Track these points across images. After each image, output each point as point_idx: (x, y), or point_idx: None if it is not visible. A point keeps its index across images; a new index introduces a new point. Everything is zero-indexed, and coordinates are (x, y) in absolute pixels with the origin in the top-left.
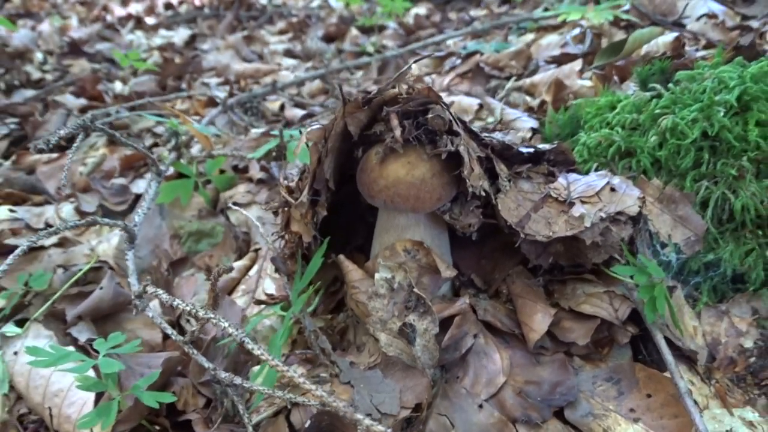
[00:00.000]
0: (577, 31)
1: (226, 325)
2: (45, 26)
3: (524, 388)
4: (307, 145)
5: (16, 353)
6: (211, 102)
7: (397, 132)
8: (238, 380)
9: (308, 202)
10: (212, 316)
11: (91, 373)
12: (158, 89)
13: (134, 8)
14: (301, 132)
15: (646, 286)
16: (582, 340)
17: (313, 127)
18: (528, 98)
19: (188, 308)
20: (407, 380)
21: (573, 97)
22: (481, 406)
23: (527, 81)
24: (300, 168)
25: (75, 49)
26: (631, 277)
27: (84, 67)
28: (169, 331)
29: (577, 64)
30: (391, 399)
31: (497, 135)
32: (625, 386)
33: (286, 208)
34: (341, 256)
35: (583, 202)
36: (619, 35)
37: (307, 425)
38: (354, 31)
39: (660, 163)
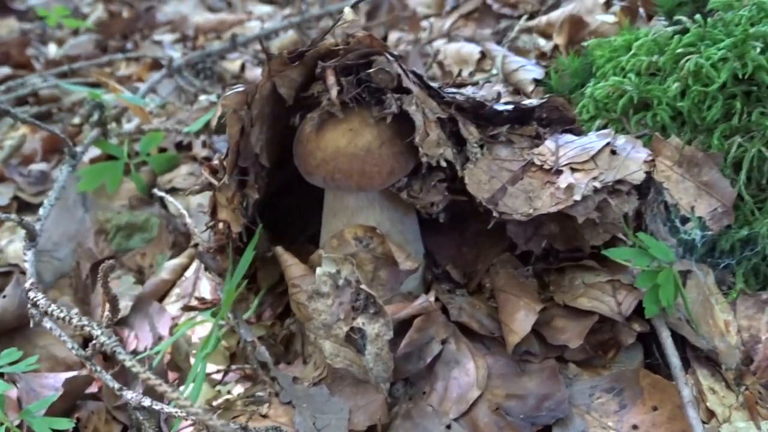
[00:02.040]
0: None
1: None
2: None
3: (504, 403)
4: (222, 118)
5: None
6: (157, 65)
7: (334, 92)
8: (147, 401)
9: (234, 183)
10: (96, 329)
11: None
12: (98, 52)
13: None
14: (218, 98)
15: (647, 273)
16: (574, 341)
17: (230, 91)
18: (542, 41)
19: (77, 320)
20: (358, 398)
21: (591, 38)
22: (449, 427)
23: (543, 19)
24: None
25: (1, 5)
26: (630, 261)
27: (12, 28)
28: (70, 345)
29: None
30: (339, 421)
31: (467, 90)
32: (628, 398)
33: (211, 193)
34: (278, 248)
35: (573, 170)
36: None
37: None
38: None
39: (682, 116)
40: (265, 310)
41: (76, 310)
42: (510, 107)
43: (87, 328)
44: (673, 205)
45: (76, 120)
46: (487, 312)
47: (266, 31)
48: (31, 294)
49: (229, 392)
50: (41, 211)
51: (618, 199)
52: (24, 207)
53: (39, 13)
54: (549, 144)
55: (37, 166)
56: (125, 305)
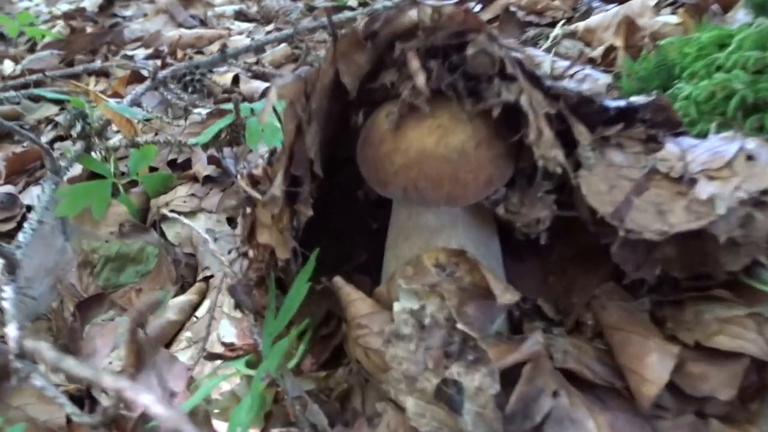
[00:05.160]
0: None
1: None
2: None
3: None
4: (275, 111)
5: None
6: (137, 78)
7: (420, 79)
8: None
9: (283, 196)
10: (127, 385)
11: None
12: (63, 66)
13: None
14: (264, 95)
15: None
16: (725, 392)
17: (287, 79)
18: (585, 48)
19: (84, 373)
20: None
21: (651, 41)
22: None
23: (580, 26)
24: (269, 149)
25: None
26: None
27: None
28: (69, 409)
29: None
30: None
31: (568, 83)
32: None
33: (249, 210)
34: (338, 279)
35: (710, 179)
36: None
37: None
38: None
39: None
40: (304, 358)
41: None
42: (622, 104)
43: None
44: None
45: (49, 137)
46: (596, 356)
47: (258, 43)
48: (28, 344)
49: None
50: (21, 236)
51: (764, 212)
52: None
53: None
54: (671, 148)
55: (3, 188)
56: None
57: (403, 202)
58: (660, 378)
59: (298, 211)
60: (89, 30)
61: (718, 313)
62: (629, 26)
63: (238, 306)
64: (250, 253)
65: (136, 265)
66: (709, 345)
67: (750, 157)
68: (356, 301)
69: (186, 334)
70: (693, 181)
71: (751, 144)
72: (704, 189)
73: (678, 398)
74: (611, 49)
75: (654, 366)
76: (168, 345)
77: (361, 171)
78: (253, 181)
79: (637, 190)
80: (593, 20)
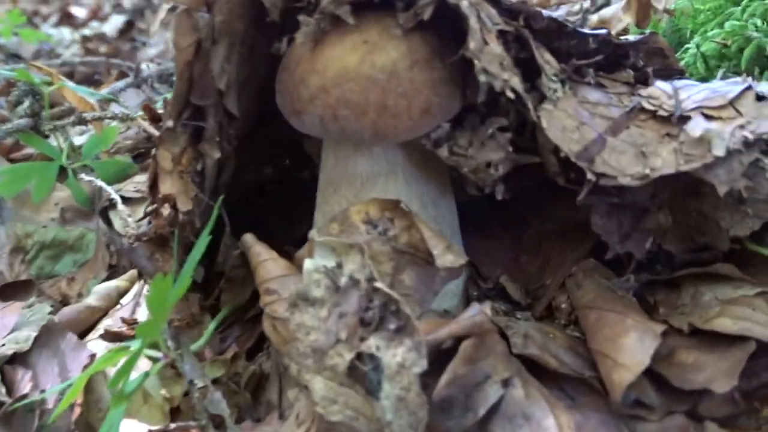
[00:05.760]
0: None
1: None
2: None
3: None
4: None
5: None
6: (122, 75)
7: None
8: None
9: (184, 132)
10: None
11: None
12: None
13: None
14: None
15: None
16: (722, 382)
17: None
18: None
19: None
20: None
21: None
22: None
23: (593, 18)
24: None
25: None
26: None
27: None
28: None
29: None
30: None
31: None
32: None
33: (151, 152)
34: (248, 236)
35: (706, 117)
36: None
37: None
38: None
39: None
40: (229, 345)
41: None
42: (603, 33)
43: None
44: None
45: None
46: (567, 344)
47: None
48: None
49: None
50: None
51: None
52: None
53: None
54: (662, 85)
55: None
56: (27, 336)
57: (325, 138)
58: (637, 363)
59: (204, 152)
60: (102, 50)
61: (721, 293)
62: (642, 4)
63: (139, 272)
64: (155, 207)
65: (75, 254)
66: (707, 328)
67: (761, 98)
68: (266, 262)
69: (108, 321)
70: (685, 119)
71: (764, 86)
72: (697, 125)
73: (665, 394)
74: (624, 32)
75: (631, 348)
76: (85, 333)
77: (278, 103)
78: (154, 117)
79: (614, 128)
80: (608, 11)
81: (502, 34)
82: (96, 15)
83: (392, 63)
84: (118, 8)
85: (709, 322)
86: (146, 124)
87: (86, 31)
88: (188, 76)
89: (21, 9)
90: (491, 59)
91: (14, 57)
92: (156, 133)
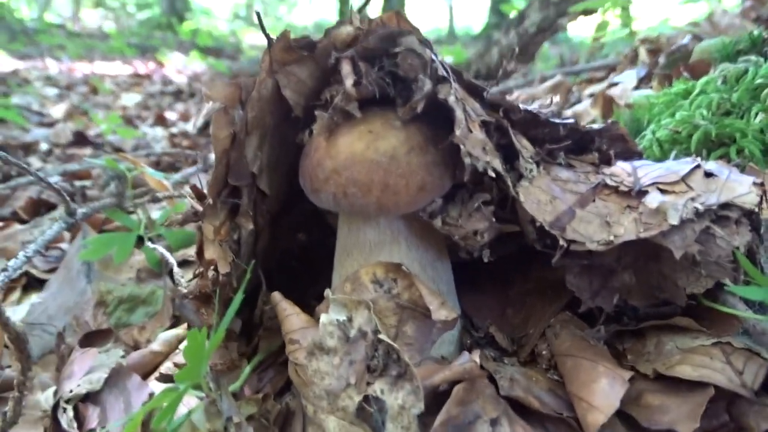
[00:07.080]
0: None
1: None
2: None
3: None
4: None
5: None
6: (194, 163)
7: (349, 82)
8: None
9: (223, 208)
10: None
11: None
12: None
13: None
14: (204, 94)
15: None
16: (686, 424)
17: (217, 81)
18: None
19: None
20: None
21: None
22: None
23: (568, 112)
24: None
25: (81, 139)
26: (759, 306)
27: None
28: None
29: (631, 81)
30: None
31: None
32: None
33: (198, 225)
34: (275, 294)
35: (662, 191)
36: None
37: None
38: None
39: None
40: (264, 385)
41: None
42: (570, 122)
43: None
44: None
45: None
46: (548, 387)
47: None
48: None
49: None
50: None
51: (726, 229)
52: (34, 283)
53: (92, 119)
54: (623, 165)
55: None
56: (99, 377)
57: (339, 212)
58: (608, 405)
59: (238, 224)
60: (184, 143)
61: (681, 343)
62: (607, 100)
63: (188, 325)
64: (201, 271)
65: (146, 307)
66: (669, 374)
67: (709, 174)
68: (291, 316)
69: (168, 364)
70: (643, 193)
71: (712, 164)
72: (654, 198)
73: None
74: (592, 122)
75: (602, 392)
76: (149, 373)
77: (301, 184)
78: (198, 194)
79: (581, 201)
80: (580, 106)
81: (485, 124)
82: (183, 117)
83: (393, 149)
84: (199, 111)
85: (671, 368)
86: (193, 202)
87: (174, 130)
88: (225, 162)
89: (126, 114)
90: (475, 144)
91: (116, 150)
92: (199, 207)
